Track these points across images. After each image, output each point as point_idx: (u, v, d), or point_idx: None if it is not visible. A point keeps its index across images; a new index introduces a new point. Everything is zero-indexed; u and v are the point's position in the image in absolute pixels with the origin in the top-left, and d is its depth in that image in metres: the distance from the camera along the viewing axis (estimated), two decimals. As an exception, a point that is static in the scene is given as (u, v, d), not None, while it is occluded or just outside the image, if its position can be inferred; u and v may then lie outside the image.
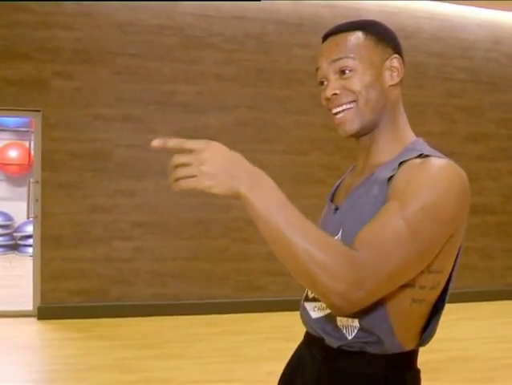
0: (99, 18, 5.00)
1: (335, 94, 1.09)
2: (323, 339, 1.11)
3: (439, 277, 1.02)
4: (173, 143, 0.86)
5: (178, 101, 5.23)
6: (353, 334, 1.03)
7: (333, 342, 1.07)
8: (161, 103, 5.19)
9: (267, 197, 0.86)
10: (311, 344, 1.16)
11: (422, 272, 0.98)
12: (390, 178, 1.04)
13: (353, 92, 1.07)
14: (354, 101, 1.08)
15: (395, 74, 1.11)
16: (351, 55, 1.07)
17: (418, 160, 1.02)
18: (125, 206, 5.10)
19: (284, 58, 5.50)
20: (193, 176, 0.85)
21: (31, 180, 5.18)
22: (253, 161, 5.41)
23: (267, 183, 0.87)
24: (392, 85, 1.11)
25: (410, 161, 1.03)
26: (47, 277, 4.96)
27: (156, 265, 5.18)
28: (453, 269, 1.09)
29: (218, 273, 5.34)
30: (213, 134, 5.31)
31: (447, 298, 1.10)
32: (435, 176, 0.95)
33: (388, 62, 1.10)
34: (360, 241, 0.91)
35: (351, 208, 1.08)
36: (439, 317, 1.10)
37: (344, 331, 1.05)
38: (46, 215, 4.95)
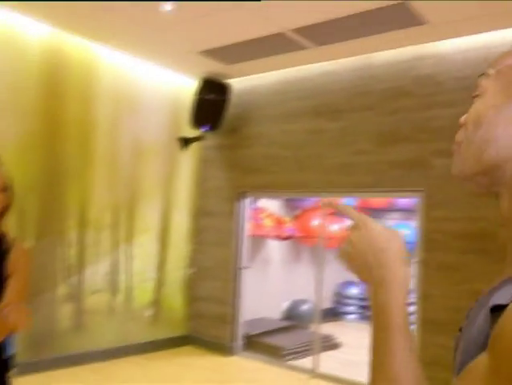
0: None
1: (461, 124, 0.80)
2: None
3: None
4: (341, 208, 0.86)
5: None
6: None
7: None
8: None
9: (383, 310, 0.77)
10: None
11: None
12: (501, 307, 0.61)
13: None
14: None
15: None
16: (492, 71, 0.75)
17: None
18: None
19: None
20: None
21: (413, 259, 5.18)
22: None
23: (392, 295, 0.77)
24: None
25: None
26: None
27: None
28: None
29: None
30: None
31: None
32: None
33: None
34: None
35: (465, 326, 0.74)
36: None
37: None
38: (424, 296, 4.80)
